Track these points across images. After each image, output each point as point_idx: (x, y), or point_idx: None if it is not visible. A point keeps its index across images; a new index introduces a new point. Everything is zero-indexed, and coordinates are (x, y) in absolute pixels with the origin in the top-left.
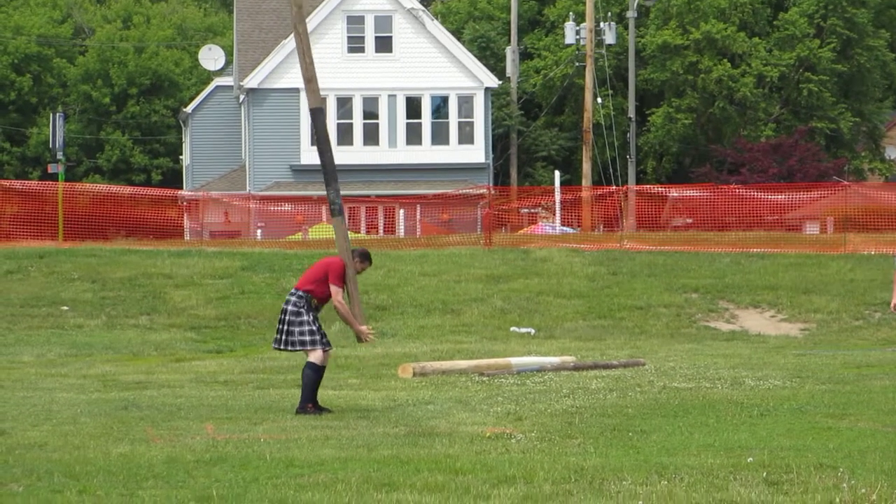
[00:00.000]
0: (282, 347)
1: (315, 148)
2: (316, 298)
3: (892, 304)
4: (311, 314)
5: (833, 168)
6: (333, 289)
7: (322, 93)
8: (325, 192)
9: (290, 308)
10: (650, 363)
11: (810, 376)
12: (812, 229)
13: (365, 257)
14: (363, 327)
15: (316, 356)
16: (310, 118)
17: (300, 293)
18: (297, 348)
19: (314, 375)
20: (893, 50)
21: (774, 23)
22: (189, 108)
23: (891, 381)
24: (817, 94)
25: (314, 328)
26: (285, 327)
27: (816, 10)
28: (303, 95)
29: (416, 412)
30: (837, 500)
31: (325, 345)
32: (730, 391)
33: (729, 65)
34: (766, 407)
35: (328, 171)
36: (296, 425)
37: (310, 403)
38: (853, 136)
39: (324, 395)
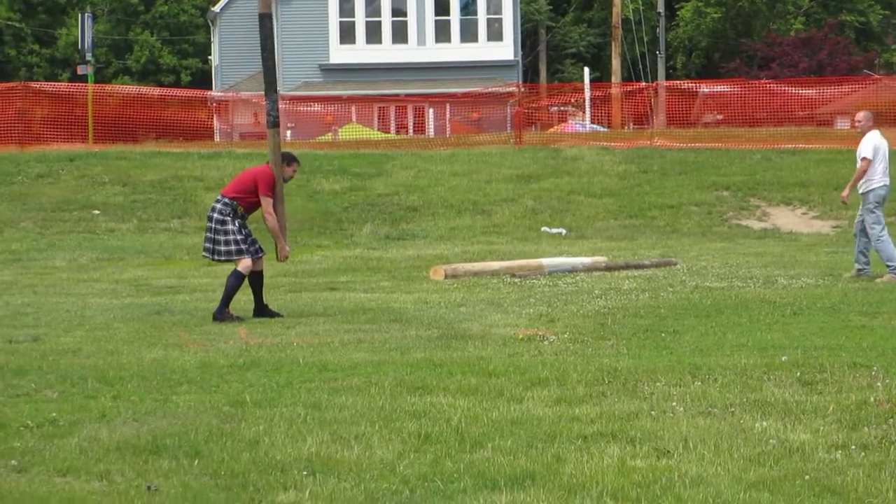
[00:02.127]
0: (212, 258)
1: (344, 46)
2: (242, 206)
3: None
4: (236, 222)
5: (863, 61)
6: (264, 200)
7: None
8: (355, 92)
9: (215, 216)
10: (682, 262)
11: (843, 274)
12: (843, 124)
13: (292, 159)
14: (286, 246)
15: (243, 265)
16: (338, 16)
17: (226, 200)
18: (223, 258)
19: (236, 283)
20: None
21: None
22: (217, 8)
23: None
24: None
25: (239, 237)
26: (212, 236)
27: None
28: None
29: (449, 314)
30: (872, 399)
31: (253, 253)
32: (762, 290)
33: None
34: (799, 306)
35: (268, 80)
36: (328, 329)
37: (227, 308)
38: (883, 28)
39: (356, 297)
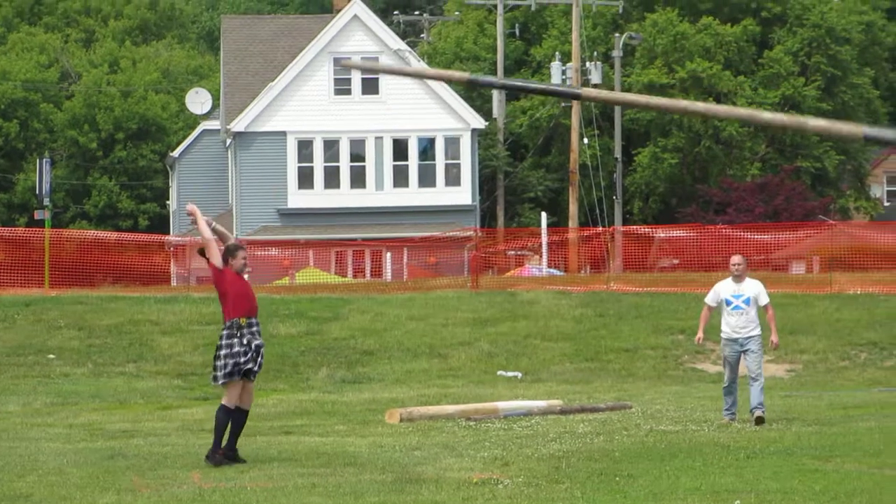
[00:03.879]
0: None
1: (302, 191)
2: (225, 313)
3: (697, 338)
4: (222, 342)
5: (819, 207)
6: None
7: (309, 135)
8: (313, 236)
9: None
10: (637, 406)
11: (797, 418)
12: (798, 269)
13: (237, 248)
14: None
15: (225, 397)
16: (296, 161)
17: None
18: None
19: (223, 419)
20: (878, 87)
21: (759, 61)
22: (176, 153)
23: (877, 422)
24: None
25: (217, 363)
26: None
27: (801, 48)
28: (290, 139)
29: (404, 458)
30: None
31: (228, 376)
32: (716, 434)
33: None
34: (753, 449)
35: None
36: (283, 473)
37: (219, 450)
38: (839, 174)
39: (311, 441)
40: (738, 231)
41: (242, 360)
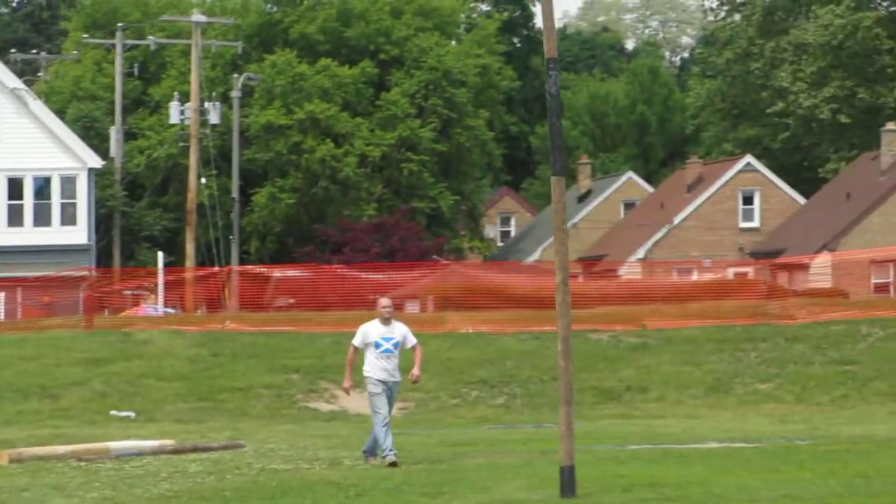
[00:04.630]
0: None
1: None
2: None
3: (344, 386)
4: None
5: (433, 247)
6: None
7: None
8: None
9: None
10: (250, 445)
11: (407, 456)
12: (413, 308)
13: None
14: None
15: None
16: None
17: None
18: None
19: None
20: (492, 129)
21: (377, 103)
22: None
23: (485, 458)
24: (418, 173)
25: None
26: None
27: (418, 90)
28: None
29: (11, 500)
30: None
31: None
32: (327, 472)
33: (332, 144)
34: (363, 487)
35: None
36: None
37: None
38: (453, 215)
39: None
40: (353, 270)
41: None
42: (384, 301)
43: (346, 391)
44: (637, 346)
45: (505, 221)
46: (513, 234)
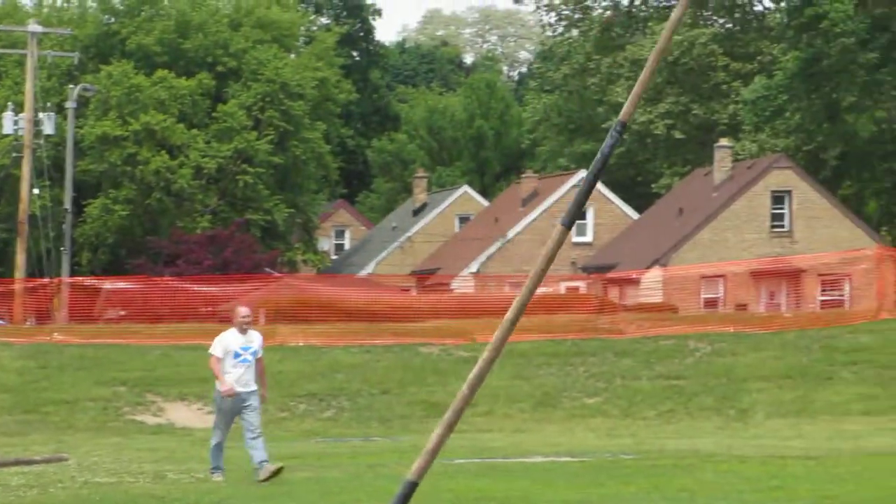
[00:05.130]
0: None
1: None
2: None
3: (224, 390)
4: None
5: (267, 260)
6: None
7: None
8: None
9: None
10: (74, 458)
11: (233, 470)
12: None
13: None
14: None
15: None
16: None
17: None
18: None
19: None
20: (329, 142)
21: (213, 114)
22: None
23: (313, 472)
24: (253, 185)
25: None
26: None
27: (255, 103)
28: None
29: None
30: None
31: None
32: (151, 485)
33: (168, 156)
34: (188, 500)
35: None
36: None
37: None
38: (288, 227)
39: None
40: (185, 283)
41: None
42: (243, 310)
43: (230, 394)
44: (468, 360)
45: (340, 234)
46: (347, 247)
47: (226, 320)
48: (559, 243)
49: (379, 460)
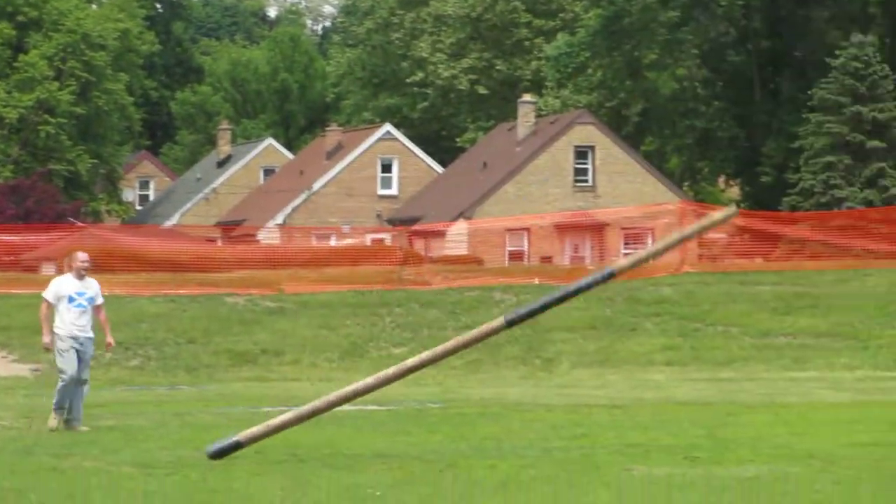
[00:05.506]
0: None
1: None
2: None
3: (44, 343)
4: None
5: (70, 210)
6: None
7: None
8: None
9: None
10: None
11: (39, 415)
12: (49, 270)
13: None
14: None
15: None
16: None
17: None
18: None
19: None
20: (132, 94)
21: (14, 64)
22: None
23: (118, 420)
24: (56, 136)
25: None
26: None
27: (56, 53)
28: None
29: None
30: None
31: None
32: None
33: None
34: None
35: None
36: None
37: None
38: (91, 178)
39: None
40: None
41: None
42: (82, 255)
43: (47, 347)
44: (274, 311)
45: (144, 185)
46: (151, 198)
47: (29, 269)
48: (490, 333)
49: (185, 408)
